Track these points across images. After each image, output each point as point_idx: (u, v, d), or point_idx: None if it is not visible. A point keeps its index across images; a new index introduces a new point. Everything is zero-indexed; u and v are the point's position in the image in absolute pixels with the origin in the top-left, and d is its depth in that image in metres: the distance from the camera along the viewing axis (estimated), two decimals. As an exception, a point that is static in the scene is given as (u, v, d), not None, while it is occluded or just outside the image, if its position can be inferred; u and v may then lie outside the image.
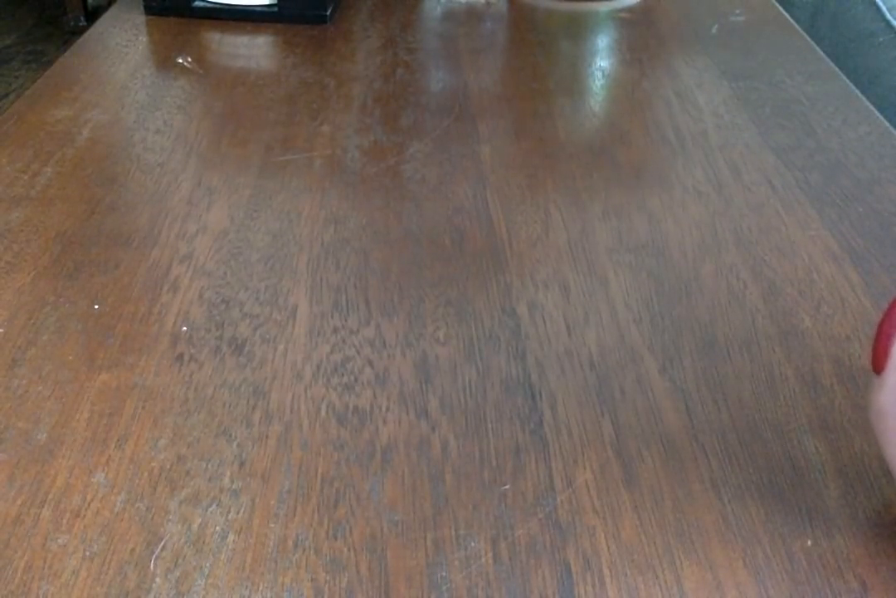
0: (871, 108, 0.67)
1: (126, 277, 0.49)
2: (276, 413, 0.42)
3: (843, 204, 0.55)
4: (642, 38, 0.78)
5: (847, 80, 0.71)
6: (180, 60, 0.72)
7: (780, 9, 0.81)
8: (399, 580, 0.35)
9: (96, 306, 0.47)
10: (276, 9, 0.78)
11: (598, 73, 0.72)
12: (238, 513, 0.37)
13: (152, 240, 0.52)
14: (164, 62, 0.72)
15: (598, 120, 0.65)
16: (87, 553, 0.35)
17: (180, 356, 0.44)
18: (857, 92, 0.69)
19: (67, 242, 0.52)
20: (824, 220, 0.54)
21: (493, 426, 0.41)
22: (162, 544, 0.36)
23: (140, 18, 0.79)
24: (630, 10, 0.83)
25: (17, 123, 0.63)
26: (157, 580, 0.35)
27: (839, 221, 0.54)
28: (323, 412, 0.42)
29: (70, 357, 0.44)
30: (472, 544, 0.36)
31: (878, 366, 0.34)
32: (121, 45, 0.75)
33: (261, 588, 0.34)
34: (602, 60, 0.74)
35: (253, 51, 0.76)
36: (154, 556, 0.35)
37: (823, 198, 0.55)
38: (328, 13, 0.79)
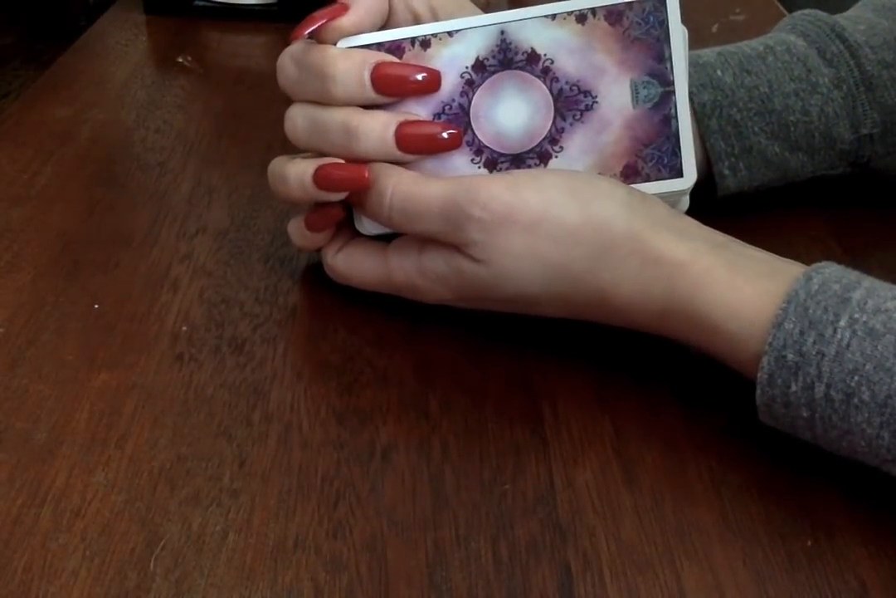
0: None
1: (126, 276, 0.49)
2: (276, 413, 0.42)
3: (844, 204, 0.55)
4: (642, 37, 0.78)
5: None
6: (180, 60, 0.72)
7: (781, 7, 0.81)
8: (399, 580, 0.35)
9: (96, 306, 0.47)
10: (276, 9, 0.78)
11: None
12: (238, 513, 0.37)
13: (152, 239, 0.52)
14: (164, 62, 0.72)
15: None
16: (87, 553, 0.35)
17: (180, 356, 0.44)
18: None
19: (67, 241, 0.52)
20: (825, 219, 0.54)
21: (492, 426, 0.41)
22: (162, 544, 0.36)
23: (140, 18, 0.79)
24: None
25: (17, 123, 0.63)
26: (157, 580, 0.35)
27: (840, 221, 0.54)
28: (323, 412, 0.42)
29: (70, 357, 0.44)
30: (472, 544, 0.36)
31: None
32: (121, 44, 0.75)
33: (261, 588, 0.34)
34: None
35: (253, 50, 0.76)
36: (154, 556, 0.35)
37: (824, 198, 0.55)
38: (328, 13, 0.78)
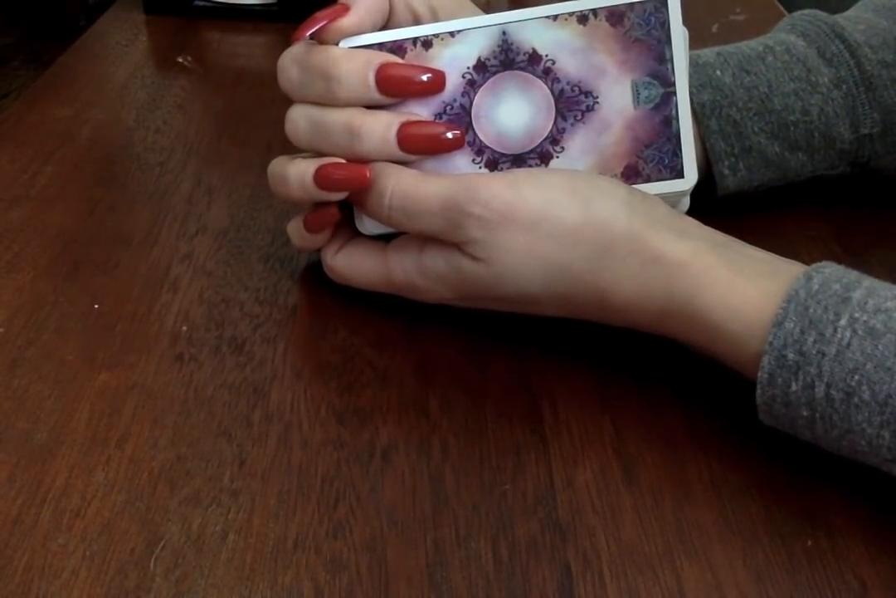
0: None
1: (126, 276, 0.49)
2: (276, 413, 0.42)
3: (844, 204, 0.55)
4: (642, 37, 0.78)
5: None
6: (180, 60, 0.72)
7: (781, 8, 0.81)
8: (399, 580, 0.35)
9: (96, 306, 0.47)
10: (276, 9, 0.78)
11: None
12: (238, 513, 0.37)
13: (152, 239, 0.52)
14: (164, 62, 0.72)
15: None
16: (87, 553, 0.35)
17: (180, 356, 0.44)
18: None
19: (67, 241, 0.52)
20: (825, 219, 0.54)
21: (492, 426, 0.41)
22: (162, 544, 0.36)
23: (140, 18, 0.79)
24: (630, 9, 0.83)
25: (17, 123, 0.63)
26: (157, 580, 0.35)
27: (840, 221, 0.54)
28: (323, 412, 0.42)
29: (70, 357, 0.44)
30: (472, 544, 0.36)
31: None
32: (121, 44, 0.75)
33: (261, 588, 0.34)
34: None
35: (253, 50, 0.76)
36: (154, 556, 0.35)
37: (824, 198, 0.55)
38: (328, 13, 0.78)
